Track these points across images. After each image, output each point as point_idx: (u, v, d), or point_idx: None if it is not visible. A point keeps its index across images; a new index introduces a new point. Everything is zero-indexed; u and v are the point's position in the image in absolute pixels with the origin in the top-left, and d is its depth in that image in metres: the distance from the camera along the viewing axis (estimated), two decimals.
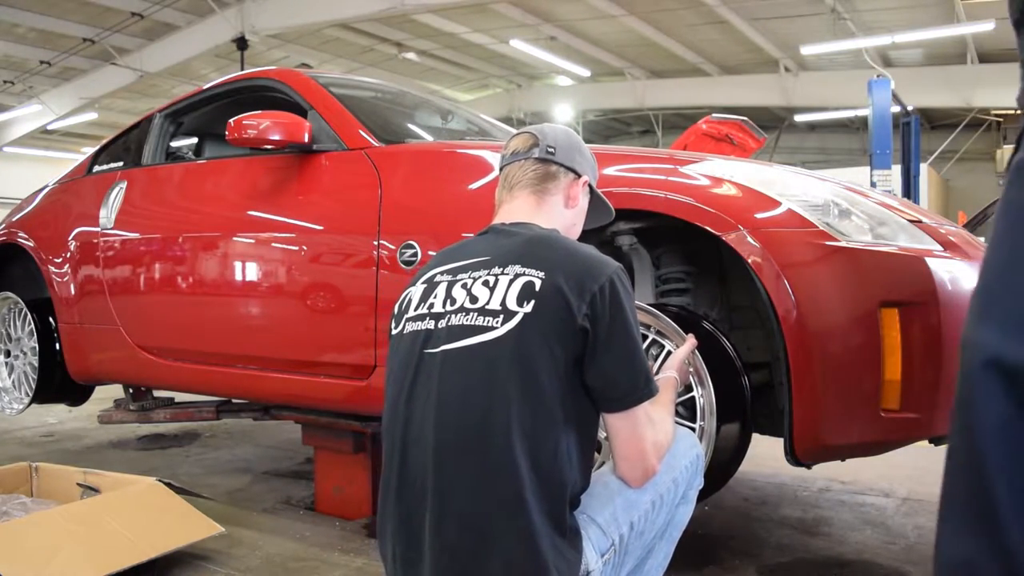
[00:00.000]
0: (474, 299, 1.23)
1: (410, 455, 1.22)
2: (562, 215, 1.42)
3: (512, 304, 1.20)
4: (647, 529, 1.30)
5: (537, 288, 1.20)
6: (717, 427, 1.68)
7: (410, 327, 1.30)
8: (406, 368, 1.27)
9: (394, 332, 1.34)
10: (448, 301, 1.26)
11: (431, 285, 1.32)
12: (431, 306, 1.28)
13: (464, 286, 1.26)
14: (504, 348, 1.18)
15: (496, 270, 1.25)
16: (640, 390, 1.22)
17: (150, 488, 2.13)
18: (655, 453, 1.27)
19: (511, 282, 1.22)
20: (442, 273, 1.32)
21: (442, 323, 1.25)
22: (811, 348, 1.57)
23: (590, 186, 1.48)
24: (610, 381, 1.20)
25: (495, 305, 1.21)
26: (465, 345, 1.21)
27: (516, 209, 1.41)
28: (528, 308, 1.19)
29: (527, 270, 1.22)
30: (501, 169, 1.47)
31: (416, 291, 1.34)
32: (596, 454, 1.34)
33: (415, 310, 1.31)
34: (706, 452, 1.67)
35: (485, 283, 1.24)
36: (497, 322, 1.19)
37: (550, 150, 1.42)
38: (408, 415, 1.24)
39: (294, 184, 2.39)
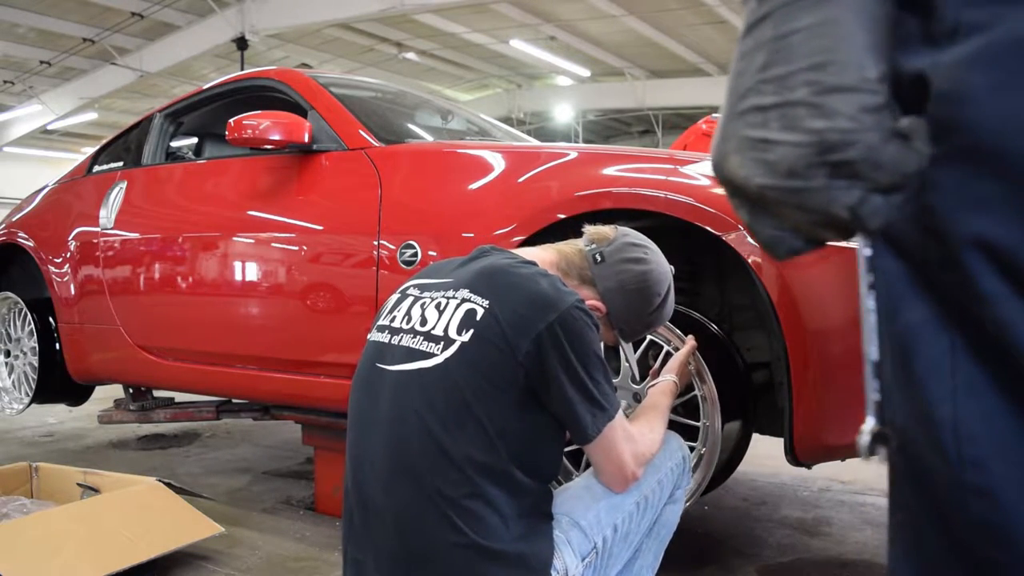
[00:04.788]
0: (424, 322, 1.23)
1: (363, 466, 1.24)
2: None
3: (452, 332, 1.19)
4: (632, 531, 1.31)
5: (478, 317, 1.18)
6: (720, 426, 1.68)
7: (373, 335, 1.32)
8: (362, 377, 1.29)
9: (368, 336, 1.35)
10: (406, 318, 1.27)
11: (403, 297, 1.33)
12: (393, 319, 1.29)
13: (422, 305, 1.27)
14: (438, 377, 1.17)
15: (450, 292, 1.25)
16: (597, 422, 1.20)
17: (150, 488, 2.13)
18: (635, 463, 1.27)
19: (457, 307, 1.21)
20: (415, 287, 1.33)
21: (395, 340, 1.26)
22: (811, 348, 1.57)
23: (613, 325, 1.41)
24: (566, 418, 1.19)
25: (439, 331, 1.20)
26: (407, 369, 1.21)
27: (533, 253, 1.39)
28: (466, 337, 1.17)
29: (473, 296, 1.21)
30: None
31: (392, 300, 1.35)
32: None
33: (382, 319, 1.32)
34: (710, 450, 1.67)
35: (438, 306, 1.24)
36: (437, 349, 1.19)
37: (597, 257, 1.38)
38: (361, 428, 1.26)
39: (294, 184, 2.39)
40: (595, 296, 1.38)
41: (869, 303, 0.58)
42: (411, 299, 1.30)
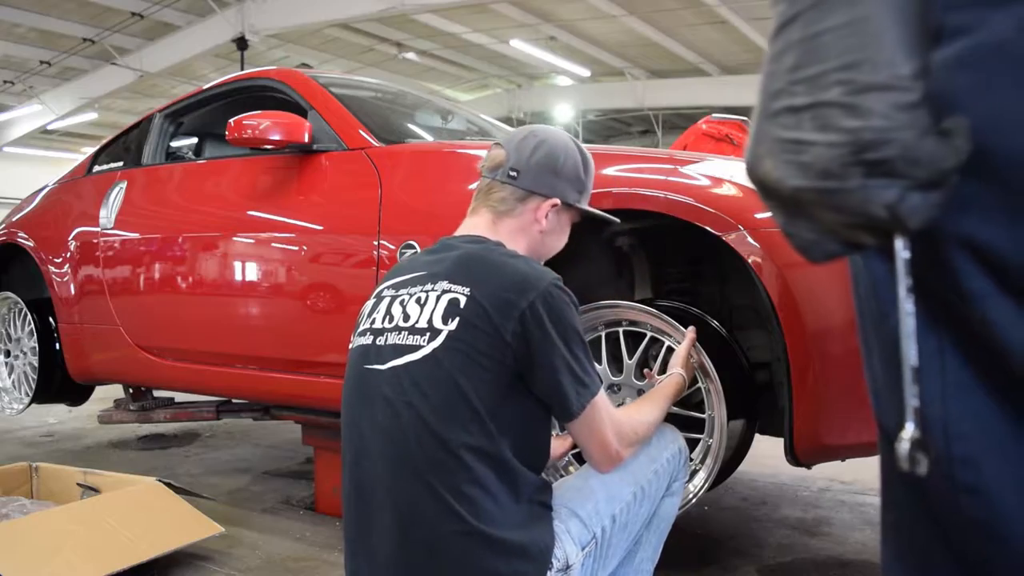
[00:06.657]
0: (406, 317, 1.25)
1: (361, 465, 1.25)
2: (527, 235, 1.39)
3: (437, 322, 1.21)
4: (631, 521, 1.33)
5: (461, 305, 1.21)
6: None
7: (356, 341, 1.33)
8: (351, 383, 1.30)
9: (350, 345, 1.36)
10: (387, 318, 1.28)
11: (378, 300, 1.34)
12: (373, 321, 1.31)
13: (402, 303, 1.28)
14: (429, 367, 1.19)
15: (428, 286, 1.26)
16: (580, 398, 1.22)
17: (150, 488, 2.13)
18: (619, 442, 1.29)
19: (438, 299, 1.23)
20: (389, 288, 1.34)
21: (380, 340, 1.27)
22: (811, 348, 1.57)
23: (573, 205, 1.42)
24: (551, 395, 1.22)
25: (423, 323, 1.22)
26: (396, 365, 1.22)
27: (475, 225, 1.40)
28: (452, 326, 1.20)
29: (453, 287, 1.23)
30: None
31: (368, 306, 1.36)
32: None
33: (362, 325, 1.33)
34: (718, 443, 1.67)
35: (417, 300, 1.26)
36: (424, 340, 1.21)
37: (512, 174, 1.38)
38: (358, 430, 1.27)
39: (294, 184, 2.39)
40: (541, 199, 1.38)
41: (908, 307, 0.56)
42: (388, 299, 1.31)
